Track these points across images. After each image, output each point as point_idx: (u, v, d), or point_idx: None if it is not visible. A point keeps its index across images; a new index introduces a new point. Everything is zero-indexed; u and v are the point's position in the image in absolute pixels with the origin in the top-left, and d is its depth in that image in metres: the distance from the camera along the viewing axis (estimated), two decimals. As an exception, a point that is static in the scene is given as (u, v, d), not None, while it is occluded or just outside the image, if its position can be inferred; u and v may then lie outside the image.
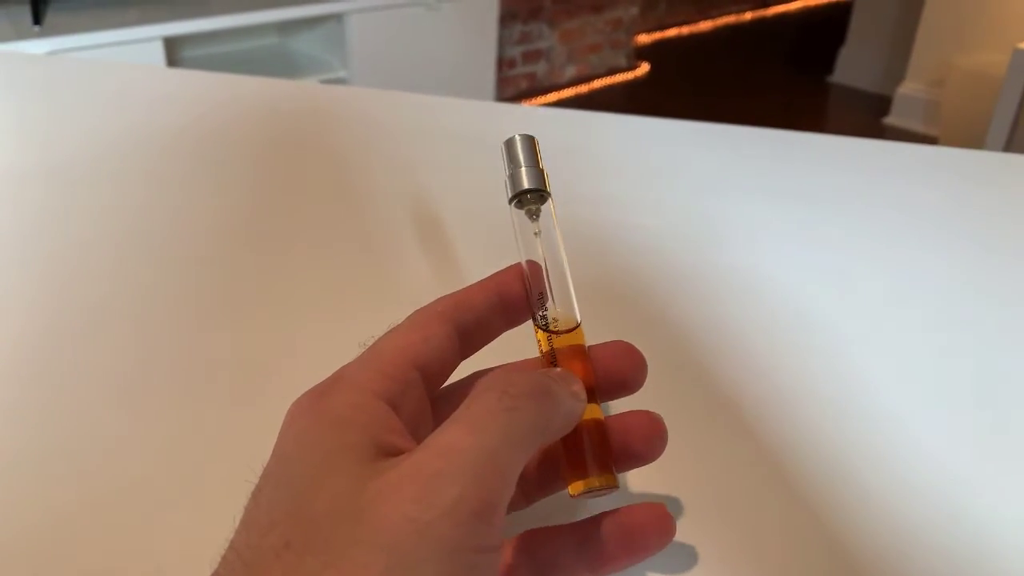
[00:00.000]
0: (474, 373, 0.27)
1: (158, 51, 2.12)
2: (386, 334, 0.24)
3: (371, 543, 0.18)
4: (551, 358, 0.26)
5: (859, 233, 0.49)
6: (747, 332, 0.40)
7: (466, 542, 0.19)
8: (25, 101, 0.70)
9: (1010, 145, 2.34)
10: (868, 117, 3.26)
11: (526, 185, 0.27)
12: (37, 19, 2.04)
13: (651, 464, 0.26)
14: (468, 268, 0.44)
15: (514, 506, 0.26)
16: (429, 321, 0.25)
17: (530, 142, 0.28)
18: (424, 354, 0.24)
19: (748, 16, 4.56)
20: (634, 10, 3.59)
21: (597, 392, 0.25)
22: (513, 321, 0.27)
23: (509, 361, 0.27)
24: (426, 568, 0.18)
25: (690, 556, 0.28)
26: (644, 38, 4.04)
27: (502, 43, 3.09)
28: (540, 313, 0.26)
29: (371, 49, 2.48)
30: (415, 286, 0.43)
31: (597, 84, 3.55)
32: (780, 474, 0.31)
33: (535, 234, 0.27)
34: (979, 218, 0.52)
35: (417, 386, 0.24)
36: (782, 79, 3.74)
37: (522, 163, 0.27)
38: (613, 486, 0.24)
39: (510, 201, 0.27)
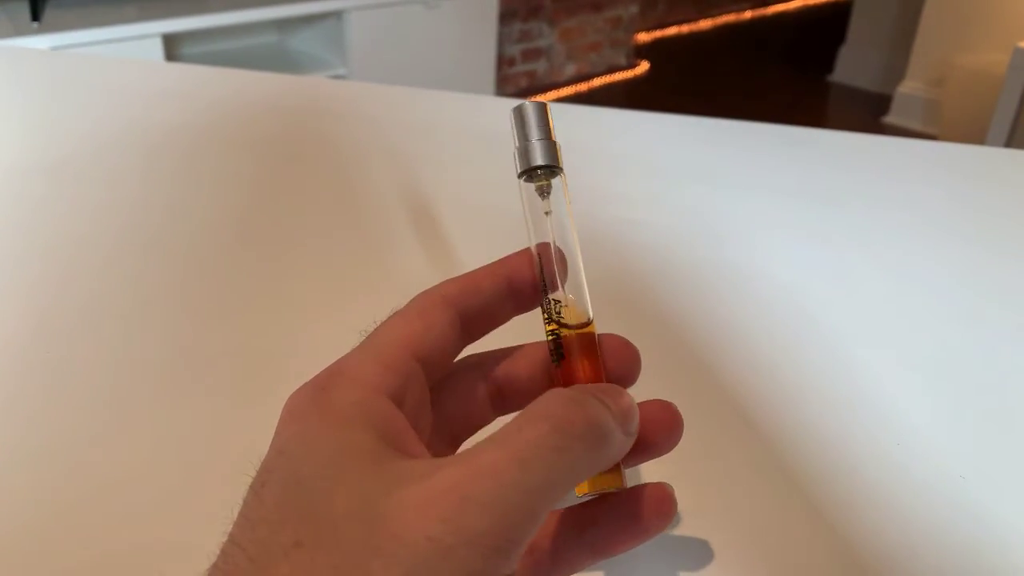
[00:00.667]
0: (468, 356, 0.26)
1: (157, 48, 2.12)
2: (387, 321, 0.24)
3: (390, 555, 0.18)
4: (565, 351, 0.24)
5: (861, 229, 0.49)
6: (748, 327, 0.40)
7: (485, 573, 0.18)
8: (24, 96, 0.70)
9: (1010, 144, 2.34)
10: (868, 116, 3.26)
11: (539, 160, 0.25)
12: (36, 15, 2.03)
13: (650, 461, 0.25)
14: (468, 261, 0.44)
15: None
16: (432, 307, 0.24)
17: (542, 110, 0.26)
18: (426, 345, 0.23)
19: (748, 15, 4.56)
20: (634, 8, 3.59)
21: None
22: (521, 307, 0.26)
23: (510, 345, 0.26)
24: None
25: (694, 552, 0.28)
26: (644, 37, 4.04)
27: (502, 41, 3.09)
28: (551, 299, 0.25)
29: (370, 47, 2.48)
30: (414, 280, 0.42)
31: (597, 82, 3.54)
32: (782, 469, 0.31)
33: (546, 213, 0.25)
34: (981, 214, 0.52)
35: (418, 378, 0.23)
36: (782, 78, 3.73)
37: (534, 135, 0.25)
38: (620, 486, 0.23)
39: (519, 175, 0.26)
